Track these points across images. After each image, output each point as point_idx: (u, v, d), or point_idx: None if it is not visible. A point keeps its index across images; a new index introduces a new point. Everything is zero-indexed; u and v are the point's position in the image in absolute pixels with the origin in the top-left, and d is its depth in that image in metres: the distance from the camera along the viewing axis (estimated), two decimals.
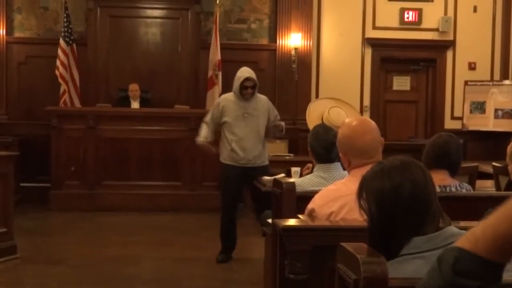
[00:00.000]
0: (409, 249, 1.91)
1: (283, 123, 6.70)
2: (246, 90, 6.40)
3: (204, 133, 6.58)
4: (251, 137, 6.44)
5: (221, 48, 9.89)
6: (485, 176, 6.16)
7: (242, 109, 6.44)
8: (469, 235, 1.34)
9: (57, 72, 9.73)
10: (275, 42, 10.44)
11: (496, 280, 1.30)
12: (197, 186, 9.40)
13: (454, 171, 3.89)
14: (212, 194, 9.15)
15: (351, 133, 3.13)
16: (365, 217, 2.04)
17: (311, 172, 4.88)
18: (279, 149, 9.15)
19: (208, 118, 6.57)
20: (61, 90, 9.78)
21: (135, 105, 9.87)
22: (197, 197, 9.29)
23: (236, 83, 6.42)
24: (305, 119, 5.95)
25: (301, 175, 5.48)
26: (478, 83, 10.66)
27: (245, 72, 6.48)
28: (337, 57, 10.64)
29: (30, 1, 10.25)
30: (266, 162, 6.61)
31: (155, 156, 9.39)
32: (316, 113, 5.92)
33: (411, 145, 9.77)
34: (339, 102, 6.25)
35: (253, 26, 10.55)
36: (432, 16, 10.75)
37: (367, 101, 10.76)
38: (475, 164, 5.55)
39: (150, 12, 10.52)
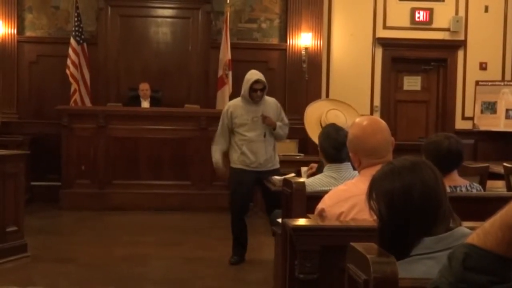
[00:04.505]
0: (420, 250, 1.90)
1: (281, 131, 6.49)
2: (256, 93, 6.32)
3: (216, 156, 6.47)
4: (262, 141, 6.37)
5: (232, 48, 9.89)
6: (496, 176, 6.12)
7: (251, 113, 6.35)
8: (478, 231, 1.34)
9: (67, 71, 9.75)
10: (286, 41, 10.42)
11: (507, 274, 1.29)
12: (207, 186, 9.40)
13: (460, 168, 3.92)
14: (222, 193, 9.16)
15: (361, 133, 3.10)
16: (375, 217, 2.03)
17: (316, 172, 4.88)
18: (289, 149, 9.13)
19: (219, 129, 6.46)
20: (72, 89, 9.81)
21: (145, 104, 9.89)
22: (207, 197, 9.30)
23: (245, 86, 6.33)
24: None
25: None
26: (489, 83, 10.62)
27: (254, 74, 6.39)
28: (347, 57, 10.62)
29: (41, 1, 10.27)
30: (277, 165, 6.54)
31: (165, 156, 9.40)
32: (314, 116, 5.91)
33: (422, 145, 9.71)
34: (338, 104, 6.23)
35: (264, 25, 10.54)
36: (443, 16, 10.71)
37: (377, 101, 10.73)
38: (486, 164, 5.51)
39: (160, 12, 10.53)
